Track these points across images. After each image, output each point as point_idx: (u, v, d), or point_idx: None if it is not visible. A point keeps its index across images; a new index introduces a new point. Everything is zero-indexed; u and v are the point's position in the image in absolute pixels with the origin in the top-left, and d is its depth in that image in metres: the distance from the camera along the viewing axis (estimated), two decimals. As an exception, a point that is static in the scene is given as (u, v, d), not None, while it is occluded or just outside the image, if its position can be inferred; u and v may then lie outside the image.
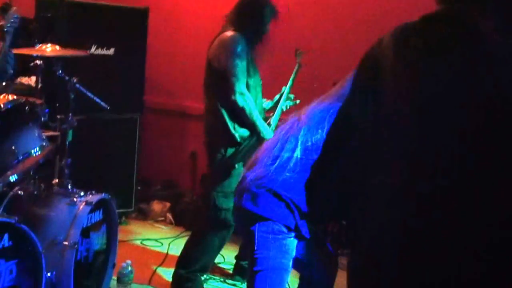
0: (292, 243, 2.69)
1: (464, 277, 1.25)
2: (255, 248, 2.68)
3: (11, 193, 3.22)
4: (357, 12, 4.98)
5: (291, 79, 4.12)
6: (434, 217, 1.29)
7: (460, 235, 1.26)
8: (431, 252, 1.28)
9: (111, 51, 4.97)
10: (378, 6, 4.81)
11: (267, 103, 4.11)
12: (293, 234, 2.68)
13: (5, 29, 3.15)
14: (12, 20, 3.18)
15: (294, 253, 2.71)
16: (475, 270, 1.24)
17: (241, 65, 3.64)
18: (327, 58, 4.88)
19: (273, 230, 2.65)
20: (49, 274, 3.03)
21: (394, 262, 1.34)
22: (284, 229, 2.66)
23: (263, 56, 3.82)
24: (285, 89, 4.10)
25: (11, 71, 3.41)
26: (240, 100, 3.64)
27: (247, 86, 3.71)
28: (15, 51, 3.47)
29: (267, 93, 4.11)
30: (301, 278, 3.07)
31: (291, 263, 2.71)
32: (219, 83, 3.71)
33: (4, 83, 3.26)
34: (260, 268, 2.67)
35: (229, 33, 3.72)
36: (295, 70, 4.16)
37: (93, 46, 4.86)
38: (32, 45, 3.84)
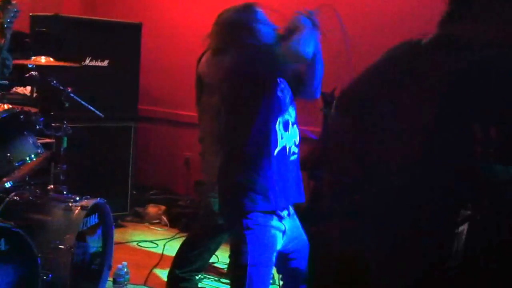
0: (274, 236, 2.54)
1: None
2: (237, 243, 2.59)
3: (7, 199, 3.15)
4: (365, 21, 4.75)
5: None
6: None
7: None
8: None
9: (105, 63, 4.90)
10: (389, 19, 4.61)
11: None
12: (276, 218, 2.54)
13: (5, 25, 2.97)
14: (12, 15, 2.99)
15: (277, 247, 2.56)
16: None
17: None
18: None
19: (251, 224, 2.50)
20: (45, 278, 2.93)
21: None
22: (263, 220, 2.51)
23: None
24: None
25: (8, 72, 3.22)
26: None
27: None
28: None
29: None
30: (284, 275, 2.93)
31: (273, 257, 2.57)
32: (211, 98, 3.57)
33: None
34: (241, 263, 2.53)
35: None
36: None
37: (87, 58, 4.78)
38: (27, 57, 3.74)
